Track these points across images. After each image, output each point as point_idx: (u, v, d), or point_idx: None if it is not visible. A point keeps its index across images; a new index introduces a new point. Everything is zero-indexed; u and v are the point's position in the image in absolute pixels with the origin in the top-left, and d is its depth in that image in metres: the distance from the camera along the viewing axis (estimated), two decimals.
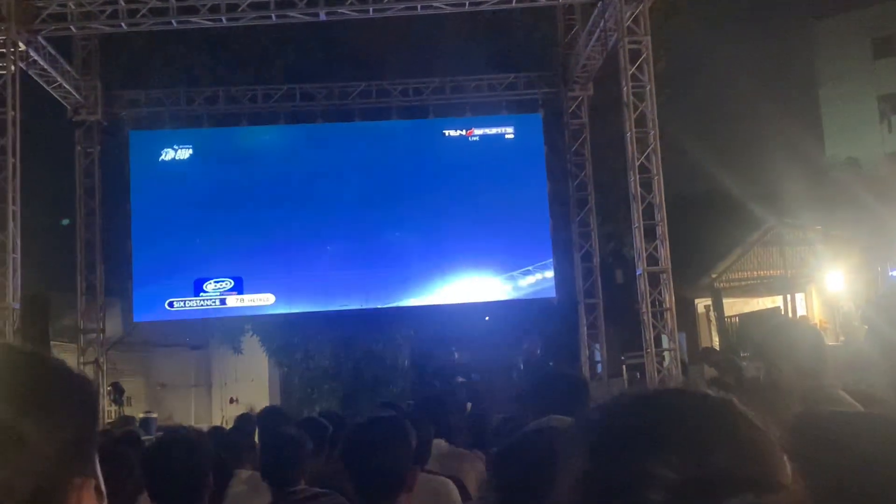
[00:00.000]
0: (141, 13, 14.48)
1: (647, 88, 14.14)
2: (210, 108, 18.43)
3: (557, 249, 18.18)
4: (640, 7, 14.12)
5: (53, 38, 15.50)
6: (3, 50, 14.03)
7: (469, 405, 11.34)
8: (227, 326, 19.71)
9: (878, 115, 26.81)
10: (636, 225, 13.98)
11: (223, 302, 17.57)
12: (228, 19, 14.61)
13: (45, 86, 16.40)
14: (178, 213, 17.72)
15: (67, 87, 16.84)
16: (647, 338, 13.81)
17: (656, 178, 14.06)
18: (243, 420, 7.15)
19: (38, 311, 14.93)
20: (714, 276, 20.62)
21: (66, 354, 17.80)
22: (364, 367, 19.07)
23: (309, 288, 17.69)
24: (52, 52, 15.87)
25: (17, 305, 13.79)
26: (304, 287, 17.66)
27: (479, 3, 14.67)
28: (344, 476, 2.78)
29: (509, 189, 17.93)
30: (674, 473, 0.88)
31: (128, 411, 17.38)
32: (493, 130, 18.37)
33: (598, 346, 18.38)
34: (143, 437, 9.45)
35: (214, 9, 14.43)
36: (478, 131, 18.31)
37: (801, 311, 19.45)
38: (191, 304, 17.52)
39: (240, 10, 14.43)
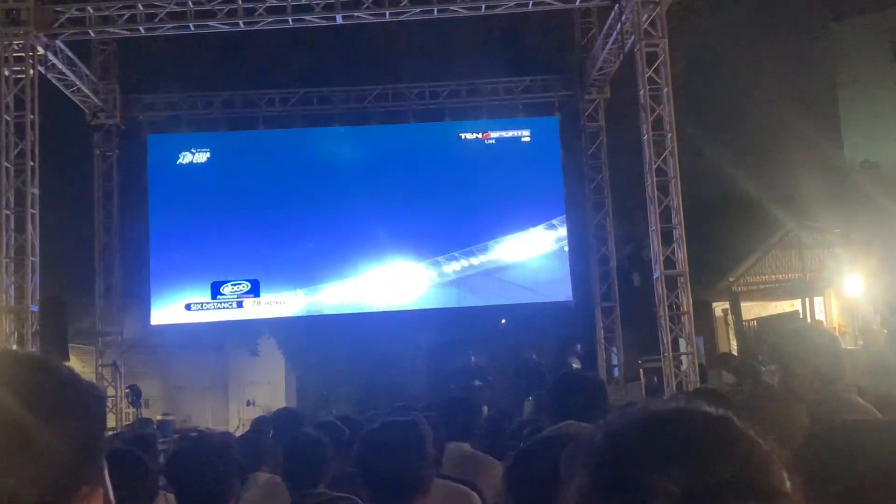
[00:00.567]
0: (159, 17, 14.55)
1: (664, 91, 14.07)
2: (227, 111, 18.52)
3: (574, 252, 18.14)
4: (657, 10, 14.07)
5: (72, 42, 15.59)
6: (22, 54, 14.11)
7: (486, 409, 11.30)
8: (243, 329, 19.76)
9: None
10: (653, 228, 13.92)
11: (240, 305, 17.62)
12: (245, 23, 14.66)
13: (63, 90, 16.49)
14: (196, 216, 17.79)
15: (86, 90, 16.94)
16: (665, 341, 13.74)
17: (673, 181, 14.00)
18: (260, 422, 7.14)
19: (56, 313, 15.00)
20: (732, 279, 20.50)
21: (85, 357, 17.94)
22: (380, 370, 19.07)
23: (325, 291, 17.71)
24: (71, 56, 15.96)
25: (36, 308, 13.86)
26: (321, 290, 17.69)
27: (496, 7, 14.66)
28: (359, 480, 2.77)
29: (525, 192, 17.92)
30: (676, 486, 0.90)
31: (145, 413, 17.43)
32: (510, 133, 18.35)
33: (615, 349, 18.33)
34: (161, 440, 9.49)
35: (231, 13, 14.48)
36: (494, 134, 18.30)
37: (819, 315, 19.31)
38: (208, 306, 17.58)
39: (257, 14, 14.48)
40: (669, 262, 13.89)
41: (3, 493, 0.94)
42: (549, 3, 14.74)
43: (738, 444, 0.95)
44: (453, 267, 17.86)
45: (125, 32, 15.10)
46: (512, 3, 14.58)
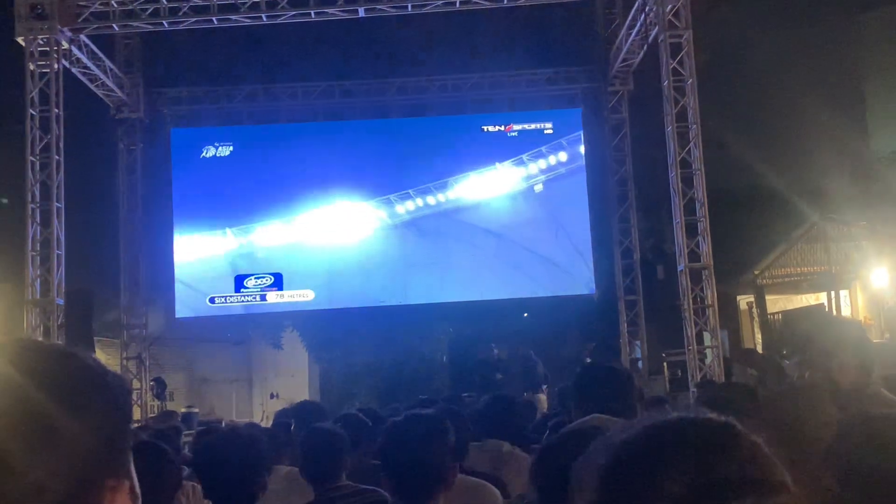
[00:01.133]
0: (182, 11, 14.61)
1: (689, 83, 13.98)
2: (250, 105, 18.57)
3: (597, 245, 18.07)
4: (681, 0, 13.97)
5: (96, 36, 15.67)
6: (47, 48, 14.21)
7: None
8: (267, 322, 19.82)
9: None
10: (677, 221, 13.83)
11: (263, 298, 17.67)
12: (268, 17, 14.69)
13: (88, 83, 16.58)
14: (219, 210, 17.85)
15: (110, 85, 17.03)
16: (689, 335, 13.67)
17: (698, 173, 13.91)
18: (282, 415, 7.14)
19: (81, 306, 15.10)
20: (757, 272, 20.34)
21: (110, 350, 18.05)
22: (403, 363, 19.08)
23: (348, 284, 17.73)
24: (95, 50, 16.04)
25: (62, 301, 13.97)
26: (344, 283, 17.72)
27: None
28: (381, 473, 2.75)
29: (548, 185, 17.87)
30: (680, 485, 0.93)
31: (170, 406, 17.53)
32: (532, 126, 18.29)
33: (638, 343, 18.25)
34: (185, 432, 9.53)
35: (254, 7, 14.53)
36: (517, 126, 18.24)
37: (845, 309, 19.15)
38: (232, 300, 17.65)
39: (279, 7, 14.51)
40: (694, 255, 13.81)
41: (29, 487, 0.93)
42: None
43: (741, 446, 0.98)
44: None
45: (148, 27, 15.18)
46: None
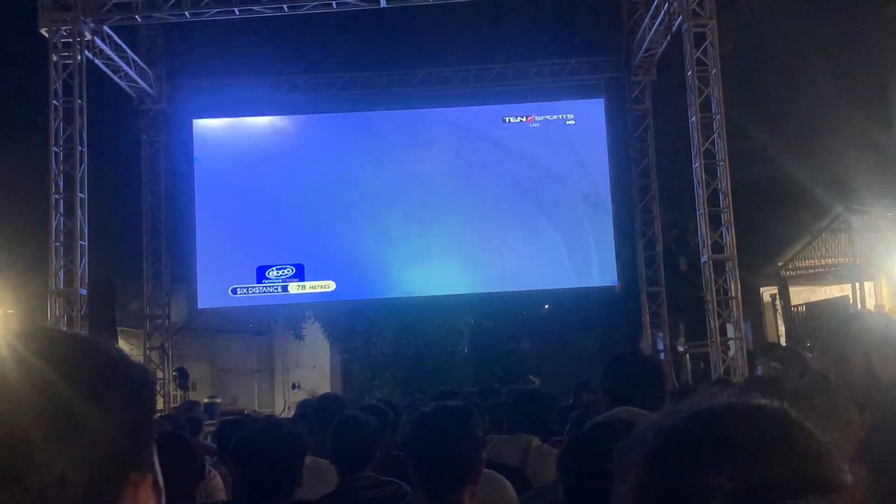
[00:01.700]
0: (204, 2, 14.63)
1: (713, 73, 13.87)
2: (272, 96, 18.59)
3: (619, 237, 17.98)
4: None
5: (119, 27, 15.72)
6: (70, 39, 14.27)
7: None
8: (289, 313, 19.87)
9: None
10: (701, 212, 13.74)
11: (285, 289, 17.71)
12: (290, 7, 14.67)
13: (111, 74, 16.64)
14: (241, 201, 17.89)
15: (133, 76, 17.08)
16: (713, 326, 13.59)
17: (722, 163, 13.80)
18: (303, 406, 7.16)
19: (105, 296, 15.19)
20: (780, 264, 20.20)
21: (133, 340, 18.17)
22: (424, 355, 19.10)
23: (370, 275, 17.74)
24: (118, 41, 16.09)
25: (85, 291, 14.05)
26: (365, 274, 17.73)
27: None
28: (409, 465, 2.71)
29: (569, 177, 17.81)
30: (731, 483, 0.87)
31: (192, 396, 17.63)
32: (555, 116, 18.20)
33: (660, 335, 18.16)
34: (207, 422, 9.57)
35: None
36: (539, 117, 18.16)
37: (869, 301, 18.98)
38: (253, 290, 17.69)
39: None
40: (717, 247, 13.72)
41: (52, 480, 0.91)
42: None
43: (796, 438, 0.92)
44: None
45: (171, 17, 15.21)
46: None
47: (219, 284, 17.69)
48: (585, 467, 1.93)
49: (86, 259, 14.07)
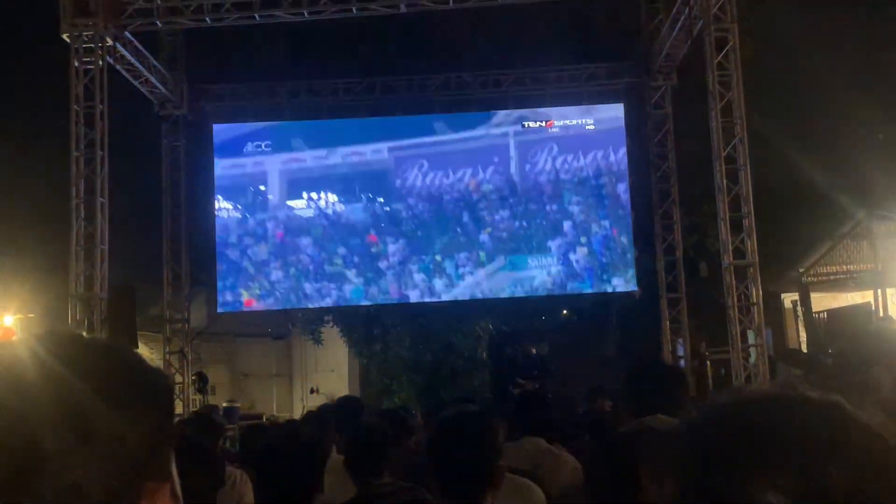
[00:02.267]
0: (225, 8, 14.68)
1: (734, 77, 13.78)
2: (292, 101, 18.64)
3: (639, 242, 17.90)
4: None
5: (140, 33, 15.79)
6: (91, 45, 14.34)
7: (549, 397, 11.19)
8: (307, 318, 19.90)
9: None
10: (722, 217, 13.64)
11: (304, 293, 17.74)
12: (310, 13, 14.70)
13: (132, 80, 16.71)
14: (261, 205, 17.94)
15: (154, 81, 17.14)
16: (733, 333, 13.48)
17: (743, 169, 13.71)
18: (322, 410, 7.16)
19: (125, 301, 15.23)
20: (801, 270, 20.08)
21: (153, 344, 18.23)
22: (442, 360, 19.06)
23: (388, 280, 17.74)
24: (139, 46, 16.16)
25: (105, 296, 14.09)
26: (384, 279, 17.73)
27: None
28: (429, 471, 2.69)
29: (588, 180, 17.76)
30: (782, 494, 0.78)
31: (211, 400, 17.66)
32: (574, 121, 18.15)
33: (680, 340, 18.05)
34: (227, 426, 9.56)
35: (296, 3, 14.56)
36: (558, 122, 18.11)
37: (892, 307, 18.82)
38: (273, 295, 17.73)
39: (321, 3, 14.51)
40: (738, 252, 13.61)
41: (66, 488, 0.89)
42: None
43: (853, 438, 0.81)
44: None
45: (192, 23, 15.27)
46: None
47: (238, 289, 17.74)
48: (613, 476, 1.90)
49: (106, 263, 14.11)
